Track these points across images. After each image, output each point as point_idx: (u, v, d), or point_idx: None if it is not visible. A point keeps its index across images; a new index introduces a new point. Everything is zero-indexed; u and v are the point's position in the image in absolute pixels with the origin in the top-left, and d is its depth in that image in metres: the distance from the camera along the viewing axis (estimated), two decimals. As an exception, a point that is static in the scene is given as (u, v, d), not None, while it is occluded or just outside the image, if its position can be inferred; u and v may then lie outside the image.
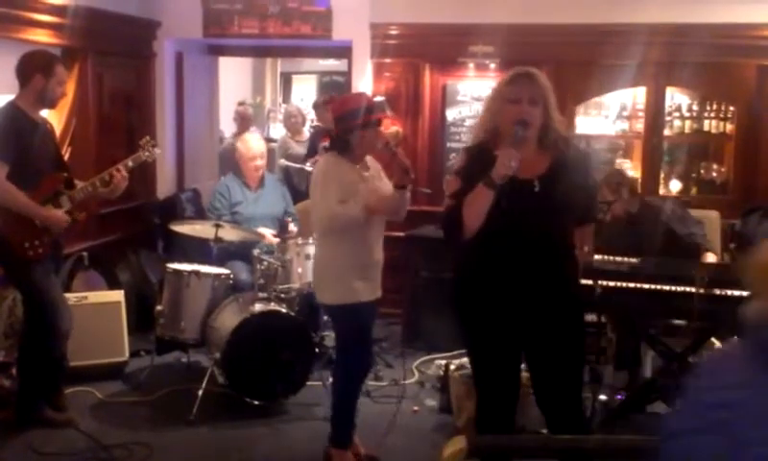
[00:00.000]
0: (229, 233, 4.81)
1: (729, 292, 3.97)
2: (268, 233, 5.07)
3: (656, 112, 6.24)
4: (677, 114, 6.36)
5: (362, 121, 3.69)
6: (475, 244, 3.05)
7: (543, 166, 3.06)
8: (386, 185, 3.76)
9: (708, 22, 5.86)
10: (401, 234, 5.99)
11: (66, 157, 5.12)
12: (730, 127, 6.22)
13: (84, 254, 5.35)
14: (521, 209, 2.98)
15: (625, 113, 6.47)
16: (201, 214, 6.39)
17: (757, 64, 6.05)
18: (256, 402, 4.44)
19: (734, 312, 3.91)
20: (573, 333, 3.13)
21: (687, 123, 6.33)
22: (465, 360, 4.73)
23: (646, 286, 4.00)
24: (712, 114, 6.25)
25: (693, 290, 3.94)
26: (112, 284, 5.45)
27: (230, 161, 7.47)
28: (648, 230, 4.62)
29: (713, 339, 4.59)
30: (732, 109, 6.20)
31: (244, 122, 8.21)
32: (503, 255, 3.02)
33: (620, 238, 4.57)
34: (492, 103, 3.14)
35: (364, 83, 6.47)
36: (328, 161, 3.81)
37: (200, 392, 4.40)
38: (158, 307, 4.75)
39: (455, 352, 5.37)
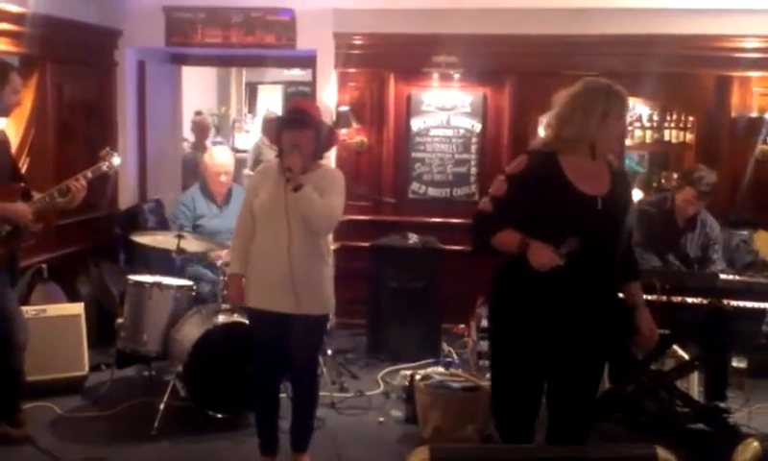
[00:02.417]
0: (192, 244, 4.75)
1: (688, 300, 4.02)
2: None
3: (617, 122, 6.30)
4: (638, 124, 6.46)
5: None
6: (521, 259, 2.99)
7: (605, 183, 3.05)
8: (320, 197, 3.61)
9: (668, 33, 5.96)
10: (366, 244, 5.98)
11: (24, 168, 5.03)
12: (689, 136, 6.34)
13: (44, 266, 5.25)
14: (585, 226, 2.94)
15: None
16: (163, 225, 6.32)
17: (716, 75, 6.17)
18: (219, 415, 4.38)
19: (694, 319, 4.01)
20: (602, 353, 3.18)
21: (648, 133, 6.43)
22: (430, 370, 4.74)
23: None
24: (672, 124, 6.37)
25: (654, 298, 3.99)
26: (72, 297, 5.35)
27: (191, 171, 7.44)
28: (691, 241, 4.67)
29: (675, 346, 4.65)
30: (691, 118, 6.32)
31: (201, 132, 8.16)
32: (554, 274, 2.93)
33: (662, 236, 4.61)
34: (584, 114, 2.99)
35: (328, 92, 6.46)
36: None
37: (161, 406, 4.33)
38: (119, 320, 4.67)
39: (421, 362, 5.38)
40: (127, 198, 6.59)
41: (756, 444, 1.88)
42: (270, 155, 7.30)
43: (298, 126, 3.59)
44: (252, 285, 3.71)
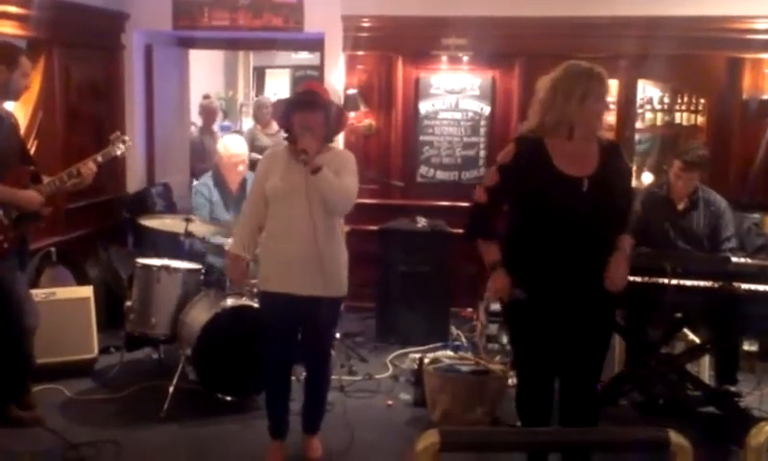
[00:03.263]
0: (200, 228, 4.74)
1: (700, 283, 3.99)
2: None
3: (627, 105, 6.28)
4: (648, 107, 6.41)
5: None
6: (519, 240, 3.17)
7: (593, 164, 3.12)
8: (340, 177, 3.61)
9: (678, 15, 5.89)
10: (375, 228, 5.97)
11: (33, 151, 5.02)
12: (701, 119, 6.29)
13: (52, 249, 5.25)
14: (569, 209, 3.05)
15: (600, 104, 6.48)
16: (171, 209, 6.32)
17: (727, 57, 6.11)
18: (228, 398, 4.39)
19: (705, 303, 3.99)
20: (605, 331, 3.25)
21: (659, 115, 6.39)
22: (439, 353, 4.74)
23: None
24: (683, 106, 6.32)
25: (665, 281, 3.96)
26: (81, 280, 5.35)
27: (198, 154, 7.44)
28: (696, 222, 4.62)
29: (685, 330, 4.63)
30: (702, 101, 6.26)
31: (209, 116, 8.14)
32: (548, 255, 3.09)
33: (663, 218, 4.59)
34: (563, 97, 3.08)
35: (336, 75, 6.42)
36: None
37: (170, 388, 4.34)
38: (128, 303, 4.68)
39: (430, 346, 5.37)
40: (135, 182, 6.58)
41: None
42: (265, 140, 7.29)
43: (309, 108, 3.57)
44: (269, 269, 3.69)
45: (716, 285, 3.97)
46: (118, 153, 4.28)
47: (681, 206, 4.60)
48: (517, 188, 3.17)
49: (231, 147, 5.19)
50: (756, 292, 3.92)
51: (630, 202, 3.31)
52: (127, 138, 4.34)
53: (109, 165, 5.06)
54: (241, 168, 5.15)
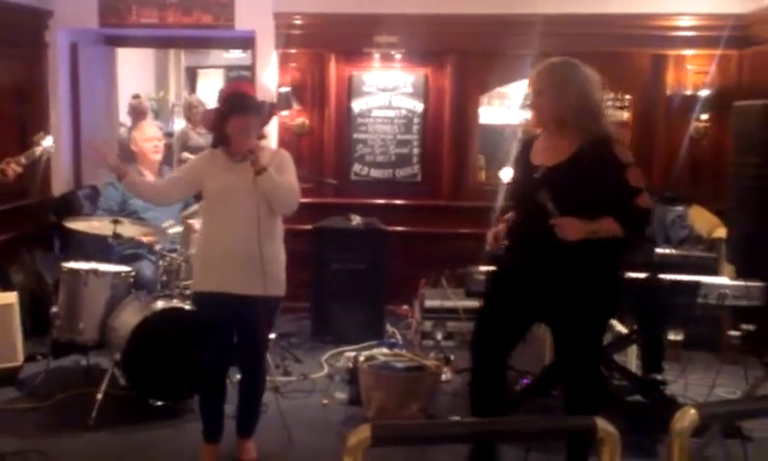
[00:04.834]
0: (128, 230, 4.64)
1: (627, 274, 4.07)
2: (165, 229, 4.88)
3: (556, 102, 6.36)
4: (577, 103, 6.50)
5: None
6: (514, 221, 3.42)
7: (562, 155, 3.17)
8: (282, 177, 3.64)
9: (604, 12, 6.05)
10: (309, 227, 5.93)
11: (-50, 154, 4.84)
12: (626, 114, 6.42)
13: (-26, 254, 5.08)
14: (525, 195, 3.24)
15: (528, 102, 6.57)
16: (98, 210, 6.16)
17: (652, 53, 6.28)
18: (160, 403, 4.31)
19: (631, 293, 4.05)
20: (583, 314, 3.23)
21: (587, 111, 6.48)
22: (374, 351, 4.74)
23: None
24: (609, 103, 6.43)
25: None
26: (5, 286, 5.18)
27: (129, 155, 7.26)
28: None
29: (612, 320, 4.73)
30: (628, 97, 6.40)
31: (138, 115, 7.99)
32: (518, 238, 3.32)
33: None
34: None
35: (269, 73, 6.37)
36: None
37: (99, 395, 4.23)
38: (54, 309, 4.54)
39: (365, 344, 5.37)
40: (61, 184, 6.41)
41: (693, 411, 1.90)
42: (198, 139, 7.19)
43: (246, 111, 3.60)
44: (206, 268, 3.67)
45: (642, 276, 4.07)
46: (39, 151, 4.15)
47: None
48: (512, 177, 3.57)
49: (146, 129, 5.27)
50: (680, 282, 4.03)
51: (619, 194, 3.18)
52: (49, 136, 4.21)
53: (33, 167, 4.92)
54: (156, 144, 5.16)
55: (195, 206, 4.61)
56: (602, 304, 3.28)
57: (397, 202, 6.48)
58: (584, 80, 3.19)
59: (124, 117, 8.34)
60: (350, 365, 4.67)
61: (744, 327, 4.94)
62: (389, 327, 5.84)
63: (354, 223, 5.97)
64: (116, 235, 4.55)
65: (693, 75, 6.21)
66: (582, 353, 3.30)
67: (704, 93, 6.14)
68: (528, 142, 3.40)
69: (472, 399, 3.47)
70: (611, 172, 3.13)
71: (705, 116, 6.19)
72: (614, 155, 3.14)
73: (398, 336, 5.68)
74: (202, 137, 7.26)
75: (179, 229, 4.76)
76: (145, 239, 4.80)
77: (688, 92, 6.20)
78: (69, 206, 6.07)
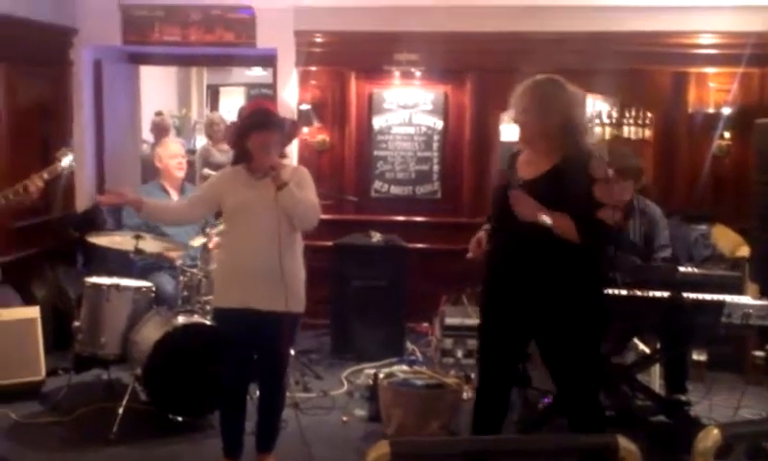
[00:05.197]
0: (151, 245, 4.67)
1: (650, 293, 4.05)
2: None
3: (577, 119, 6.35)
4: (597, 121, 6.50)
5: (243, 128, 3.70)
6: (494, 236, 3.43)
7: (541, 169, 3.24)
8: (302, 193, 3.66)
9: (624, 30, 6.03)
10: (329, 244, 5.95)
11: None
12: (648, 133, 6.40)
13: (-2, 269, 5.12)
14: (499, 208, 3.30)
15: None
16: (121, 226, 6.21)
17: (672, 71, 6.25)
18: (180, 418, 4.32)
19: (654, 312, 4.04)
20: (568, 326, 3.21)
21: (608, 129, 6.48)
22: (394, 368, 4.73)
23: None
24: (631, 121, 6.41)
25: (615, 291, 4.01)
26: (28, 301, 5.23)
27: (151, 171, 7.33)
28: (633, 230, 4.65)
29: (635, 339, 4.69)
30: (649, 115, 6.38)
31: (161, 132, 8.07)
32: (498, 250, 3.35)
33: None
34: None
35: (289, 91, 6.41)
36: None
37: (120, 409, 4.26)
38: (76, 323, 4.58)
39: (385, 361, 5.36)
40: (84, 200, 6.47)
41: (716, 431, 1.88)
42: (219, 157, 7.24)
43: (268, 127, 3.61)
44: (228, 284, 3.69)
45: (665, 295, 4.04)
46: (62, 166, 4.19)
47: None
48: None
49: (169, 145, 5.39)
50: (703, 301, 3.99)
51: (585, 207, 3.18)
52: (71, 152, 4.25)
53: (57, 183, 4.98)
54: (180, 161, 5.26)
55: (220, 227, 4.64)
56: (585, 322, 3.23)
57: (418, 219, 6.47)
58: (567, 98, 3.23)
59: (146, 134, 8.42)
60: (370, 382, 4.65)
61: (769, 348, 4.89)
62: (409, 345, 5.82)
63: (374, 239, 5.97)
64: (138, 251, 4.58)
65: (715, 93, 6.17)
66: (572, 372, 3.28)
67: (726, 111, 6.10)
68: (514, 156, 3.46)
69: (474, 414, 3.46)
70: (582, 187, 3.17)
71: (727, 134, 6.15)
72: (588, 170, 3.19)
73: (418, 353, 5.67)
74: (223, 155, 7.31)
75: (202, 240, 4.79)
76: (166, 254, 4.83)
77: (710, 110, 6.16)
78: (92, 221, 6.12)
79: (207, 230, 4.75)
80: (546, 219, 3.12)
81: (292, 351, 4.95)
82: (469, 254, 3.48)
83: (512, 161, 3.44)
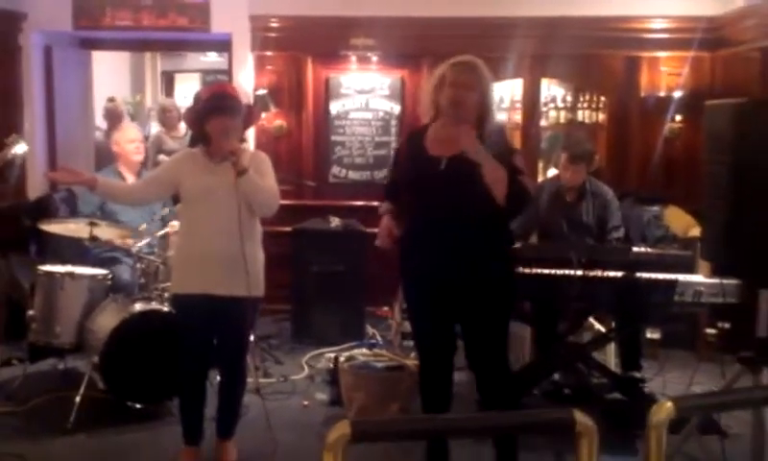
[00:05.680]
0: (106, 232, 4.60)
1: (604, 273, 4.12)
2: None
3: (532, 104, 6.44)
4: (552, 105, 6.58)
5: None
6: (407, 222, 3.37)
7: (461, 145, 3.19)
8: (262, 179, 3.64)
9: (578, 15, 6.11)
10: (288, 229, 5.93)
11: None
12: (602, 116, 6.50)
13: (-53, 259, 5.02)
14: (427, 187, 3.26)
15: (504, 105, 6.63)
16: (76, 215, 6.11)
17: (625, 56, 6.35)
18: (139, 406, 4.28)
19: (609, 292, 4.12)
20: (488, 308, 3.27)
21: (562, 113, 6.56)
22: (355, 352, 4.74)
23: (526, 271, 4.08)
24: (585, 105, 6.51)
25: (572, 272, 4.08)
26: (-21, 291, 5.13)
27: (104, 158, 7.21)
28: (585, 212, 4.73)
29: (591, 319, 4.78)
30: (603, 98, 6.47)
31: (114, 119, 7.91)
32: (422, 230, 3.30)
33: (556, 214, 4.69)
34: (433, 87, 3.33)
35: (245, 76, 6.36)
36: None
37: (77, 398, 4.20)
38: (30, 312, 4.50)
39: (345, 345, 5.37)
40: (36, 187, 6.35)
41: (669, 404, 1.93)
42: (173, 144, 7.15)
43: (228, 112, 3.57)
44: (187, 270, 3.65)
45: (619, 275, 4.12)
46: (13, 153, 4.11)
47: (569, 198, 4.76)
48: (400, 173, 3.47)
49: (127, 130, 5.27)
50: (657, 280, 4.08)
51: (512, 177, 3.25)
52: (23, 140, 4.17)
53: (10, 171, 4.88)
54: (138, 146, 5.16)
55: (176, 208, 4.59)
56: (507, 297, 3.36)
57: (376, 203, 6.40)
58: (490, 78, 3.31)
59: (99, 121, 8.27)
60: (331, 366, 4.66)
61: (720, 324, 5.01)
62: (369, 328, 5.85)
63: (333, 225, 5.97)
64: (93, 238, 4.51)
65: (667, 77, 6.29)
66: (493, 348, 3.34)
67: (677, 95, 6.22)
68: (418, 135, 3.40)
69: (423, 399, 3.50)
70: (504, 158, 3.22)
71: (678, 117, 6.27)
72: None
73: (379, 337, 5.69)
74: (176, 142, 7.23)
75: (164, 231, 4.73)
76: (119, 242, 4.76)
77: (662, 94, 6.28)
78: (45, 209, 5.99)
79: (167, 219, 4.70)
80: (484, 159, 3.12)
81: (252, 337, 4.95)
82: (378, 242, 3.48)
83: (416, 140, 3.38)
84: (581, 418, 1.86)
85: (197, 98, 3.73)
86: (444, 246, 3.22)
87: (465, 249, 3.21)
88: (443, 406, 3.41)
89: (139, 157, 5.16)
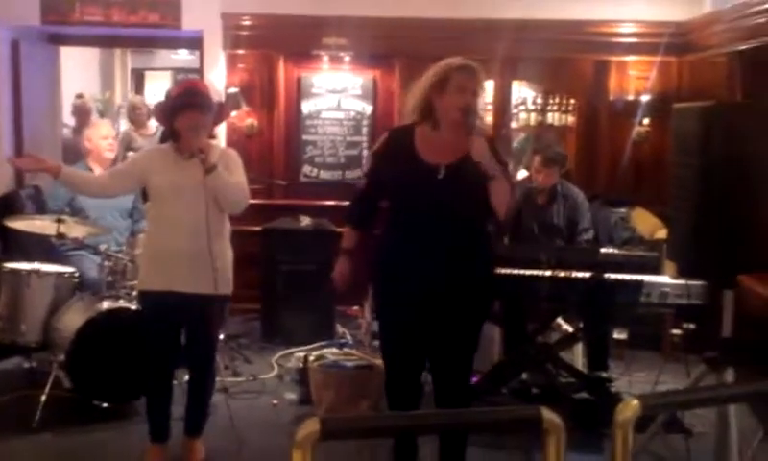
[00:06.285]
0: (74, 229, 4.54)
1: (573, 274, 4.16)
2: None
3: (503, 106, 6.48)
4: (523, 107, 6.63)
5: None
6: (390, 227, 3.20)
7: (455, 154, 3.08)
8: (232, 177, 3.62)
9: (549, 18, 6.16)
10: (258, 228, 5.90)
11: None
12: (571, 119, 6.56)
13: None
14: (424, 196, 3.09)
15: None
16: (43, 212, 6.02)
17: (595, 59, 6.42)
18: (105, 405, 4.24)
19: (577, 292, 4.15)
20: (472, 322, 3.20)
21: (532, 115, 6.61)
22: (325, 351, 4.74)
23: (496, 271, 4.10)
24: (555, 107, 6.56)
25: (540, 272, 4.11)
26: (-58, 289, 5.02)
27: (72, 155, 7.12)
28: (556, 214, 4.76)
29: (559, 319, 4.82)
30: (572, 101, 6.54)
31: (83, 116, 7.83)
32: (409, 239, 3.12)
33: (527, 216, 4.72)
34: (427, 86, 3.12)
35: (216, 74, 6.32)
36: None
37: (43, 397, 4.15)
38: (-5, 310, 4.44)
39: (315, 345, 5.36)
40: (2, 184, 6.25)
41: (635, 402, 1.95)
42: (142, 142, 7.10)
43: (198, 109, 3.54)
44: (154, 267, 3.62)
45: (587, 276, 4.16)
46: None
47: (541, 200, 4.81)
48: (385, 175, 3.23)
49: (100, 126, 5.19)
50: (623, 281, 4.13)
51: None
52: None
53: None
54: (111, 142, 5.10)
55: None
56: (482, 306, 3.27)
57: (347, 203, 6.43)
58: None
59: (67, 118, 8.17)
60: (300, 365, 4.66)
61: (685, 325, 5.08)
62: (339, 328, 5.84)
63: (304, 224, 5.96)
64: (60, 235, 4.46)
65: (635, 80, 6.37)
66: (461, 354, 3.23)
67: (645, 98, 6.30)
68: (403, 137, 3.19)
69: (389, 403, 3.38)
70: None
71: (646, 121, 6.35)
72: (498, 153, 3.15)
73: (348, 336, 5.68)
74: (146, 140, 7.16)
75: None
76: (80, 236, 4.68)
77: (630, 97, 6.35)
78: (10, 206, 5.91)
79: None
80: (495, 174, 2.97)
81: (221, 336, 4.92)
82: (335, 284, 3.38)
83: (405, 143, 3.16)
84: (548, 415, 1.88)
85: (167, 94, 3.71)
86: (433, 253, 3.09)
87: (454, 257, 3.10)
88: (412, 404, 3.34)
89: (111, 155, 5.11)
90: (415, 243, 3.13)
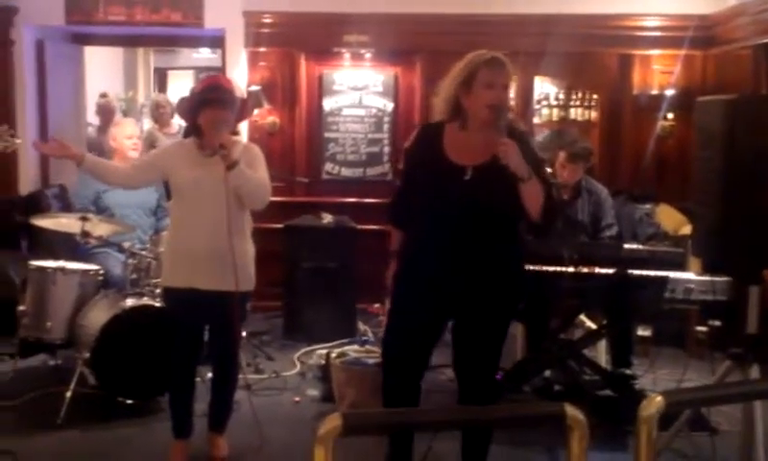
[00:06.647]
0: (98, 227, 4.59)
1: (596, 270, 4.13)
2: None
3: (525, 101, 6.44)
4: (545, 103, 6.59)
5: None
6: (416, 226, 3.12)
7: (484, 154, 2.98)
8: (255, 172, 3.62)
9: (572, 13, 6.12)
10: (280, 226, 5.92)
11: None
12: (594, 114, 6.51)
13: (-62, 254, 4.99)
14: (450, 197, 3.00)
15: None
16: (68, 211, 6.09)
17: (618, 54, 6.36)
18: (129, 402, 4.27)
19: (601, 289, 4.12)
20: (498, 316, 3.14)
21: (555, 111, 6.57)
22: (346, 348, 4.75)
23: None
24: (578, 102, 6.52)
25: (563, 269, 4.09)
26: (-30, 286, 5.10)
27: (96, 154, 7.18)
28: (581, 210, 4.73)
29: (582, 316, 4.79)
30: (595, 96, 6.49)
31: (107, 115, 7.90)
32: (434, 240, 3.04)
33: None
34: (453, 82, 3.03)
35: (238, 72, 6.35)
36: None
37: (68, 394, 4.18)
38: (21, 307, 4.48)
39: (337, 342, 5.37)
40: (28, 183, 6.33)
41: (659, 398, 1.93)
42: (164, 140, 7.13)
43: (220, 104, 3.54)
44: (176, 264, 3.63)
45: (610, 272, 4.13)
46: (6, 148, 4.08)
47: (565, 196, 4.77)
48: (414, 174, 3.17)
49: (125, 125, 5.16)
50: (647, 277, 4.09)
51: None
52: (14, 132, 4.15)
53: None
54: (136, 141, 5.07)
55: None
56: (510, 302, 3.18)
57: (368, 200, 6.49)
58: None
59: (91, 117, 8.25)
60: (322, 362, 4.66)
61: (710, 322, 5.03)
62: (361, 325, 5.85)
63: (325, 221, 5.97)
64: (85, 233, 4.50)
65: (659, 75, 6.31)
66: (487, 352, 3.17)
67: (669, 92, 6.24)
68: (433, 134, 3.10)
69: (384, 401, 3.31)
70: (534, 169, 2.96)
71: (670, 115, 6.29)
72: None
73: (370, 334, 5.68)
74: (169, 138, 7.21)
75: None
76: (105, 234, 4.71)
77: (654, 92, 6.30)
78: (36, 205, 5.99)
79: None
80: (527, 175, 2.87)
81: (244, 333, 4.94)
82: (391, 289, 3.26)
83: (434, 139, 3.07)
84: (572, 411, 1.87)
85: (192, 90, 3.72)
86: (455, 255, 3.03)
87: (477, 259, 3.02)
88: (411, 402, 3.26)
89: (136, 154, 5.12)
90: (438, 244, 3.05)
